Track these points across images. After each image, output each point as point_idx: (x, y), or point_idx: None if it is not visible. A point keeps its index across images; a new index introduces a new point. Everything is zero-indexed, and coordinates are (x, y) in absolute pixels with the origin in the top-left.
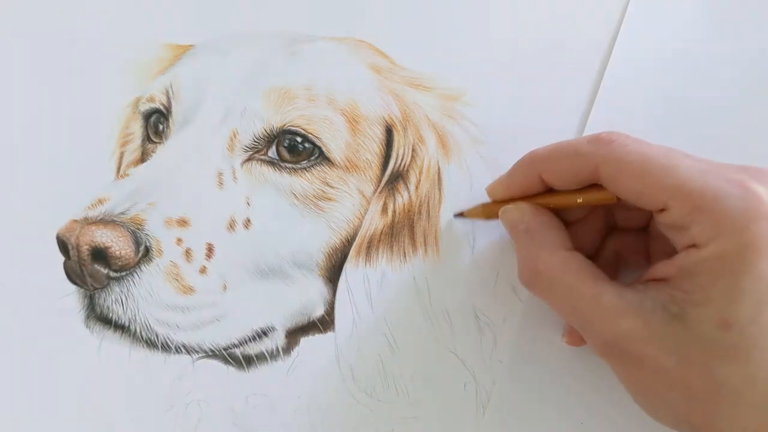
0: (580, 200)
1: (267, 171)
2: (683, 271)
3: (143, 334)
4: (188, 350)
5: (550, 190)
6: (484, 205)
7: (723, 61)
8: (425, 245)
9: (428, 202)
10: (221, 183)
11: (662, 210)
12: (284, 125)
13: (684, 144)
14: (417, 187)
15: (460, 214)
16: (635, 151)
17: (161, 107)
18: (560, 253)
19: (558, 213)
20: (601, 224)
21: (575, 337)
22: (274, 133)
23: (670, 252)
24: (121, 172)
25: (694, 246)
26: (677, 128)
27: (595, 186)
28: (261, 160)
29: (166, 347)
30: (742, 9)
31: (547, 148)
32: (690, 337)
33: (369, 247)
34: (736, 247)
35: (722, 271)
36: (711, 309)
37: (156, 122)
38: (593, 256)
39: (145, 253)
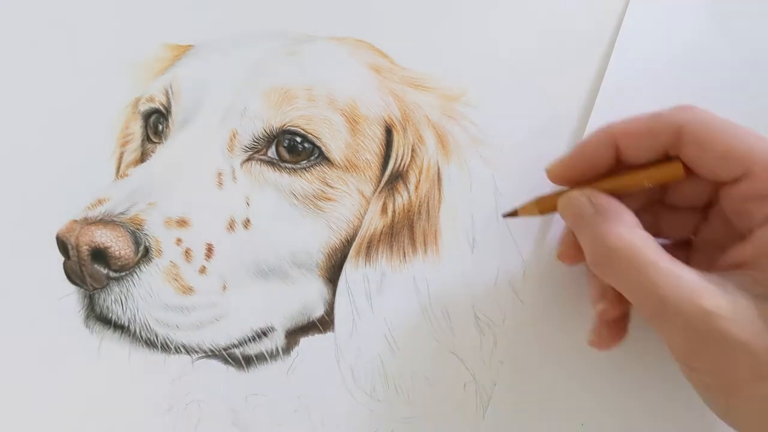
0: (647, 183)
1: (267, 171)
2: (764, 251)
3: (143, 334)
4: (188, 350)
5: (613, 173)
6: (539, 200)
7: (723, 60)
8: (425, 245)
9: (428, 202)
10: (221, 183)
11: (740, 178)
12: (284, 125)
13: None
14: (417, 187)
15: (512, 214)
16: (718, 117)
17: (161, 107)
18: (638, 232)
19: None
20: (655, 205)
21: (604, 339)
22: (274, 133)
23: (727, 234)
24: (121, 172)
25: None
26: None
27: (660, 163)
28: (261, 160)
29: (165, 347)
30: (742, 8)
31: (625, 119)
32: None
33: (369, 247)
34: None
35: None
36: None
37: (156, 122)
38: None
39: (144, 253)
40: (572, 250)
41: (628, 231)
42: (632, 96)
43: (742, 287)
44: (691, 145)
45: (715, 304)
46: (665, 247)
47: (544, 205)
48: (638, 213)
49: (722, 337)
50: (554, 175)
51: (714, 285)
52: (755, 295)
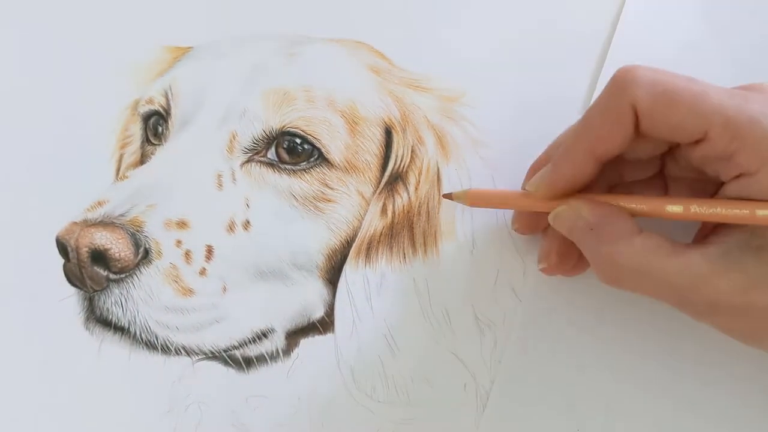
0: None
1: (266, 172)
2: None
3: (143, 335)
4: (188, 352)
5: (598, 181)
6: (472, 193)
7: (719, 59)
8: (425, 246)
9: (427, 203)
10: (220, 184)
11: (699, 141)
12: (283, 127)
13: None
14: (416, 188)
15: (447, 196)
16: (662, 81)
17: (160, 109)
18: (637, 240)
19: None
20: (610, 181)
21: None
22: (274, 134)
23: (699, 190)
24: (121, 174)
25: (741, 175)
26: None
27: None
28: (260, 161)
29: (165, 349)
30: (736, 7)
31: (576, 125)
32: None
33: (368, 249)
34: None
35: None
36: None
37: (155, 124)
38: None
39: (144, 255)
40: (526, 223)
41: (628, 244)
42: None
43: (745, 245)
44: (645, 118)
45: (730, 281)
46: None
47: (474, 200)
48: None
49: (742, 306)
50: (540, 194)
51: (722, 258)
52: (756, 248)
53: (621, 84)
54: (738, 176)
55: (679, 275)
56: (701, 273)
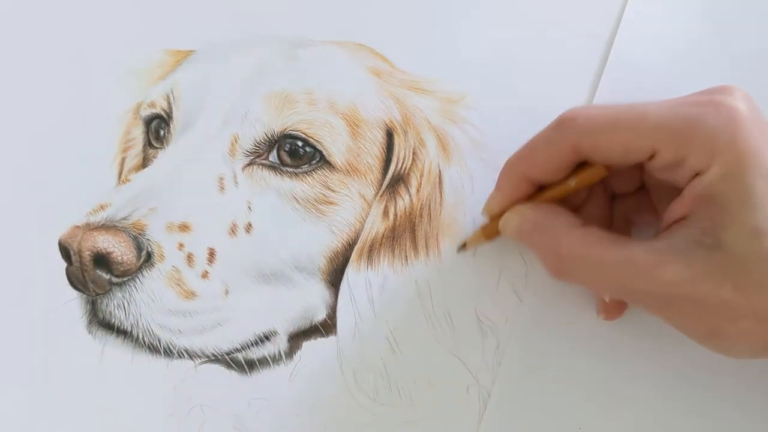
0: (573, 184)
1: (268, 175)
2: (698, 201)
3: (145, 339)
4: (191, 355)
5: (540, 188)
6: (484, 227)
7: (719, 59)
8: (426, 248)
9: (429, 205)
10: (222, 188)
11: (652, 157)
12: (285, 129)
13: None
14: (418, 190)
15: (463, 247)
16: (601, 115)
17: (162, 112)
18: (576, 231)
19: (561, 203)
20: (604, 198)
21: (611, 311)
22: (275, 137)
23: (675, 195)
24: (123, 177)
25: (696, 175)
26: None
27: (582, 166)
28: (262, 164)
29: (168, 352)
30: (736, 7)
31: (520, 151)
32: (733, 260)
33: (370, 251)
34: (735, 160)
35: (734, 185)
36: (738, 224)
37: (157, 127)
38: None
39: (146, 259)
40: (610, 309)
41: (567, 235)
42: (629, 97)
43: (693, 241)
44: (592, 154)
45: (673, 271)
46: None
47: (488, 231)
48: (606, 209)
49: (690, 299)
50: (491, 212)
51: (667, 250)
52: (707, 246)
53: (563, 127)
54: (695, 176)
55: (618, 265)
56: (643, 263)
